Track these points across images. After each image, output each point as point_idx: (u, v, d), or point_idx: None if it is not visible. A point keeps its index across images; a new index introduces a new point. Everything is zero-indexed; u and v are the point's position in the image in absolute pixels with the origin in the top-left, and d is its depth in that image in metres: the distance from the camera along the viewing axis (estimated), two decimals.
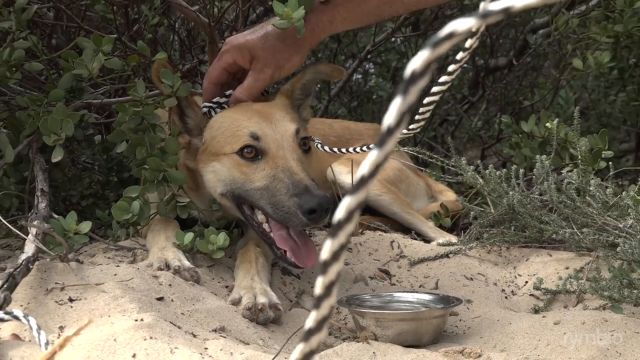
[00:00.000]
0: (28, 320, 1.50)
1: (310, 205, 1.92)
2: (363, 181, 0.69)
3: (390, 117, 0.67)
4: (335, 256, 0.71)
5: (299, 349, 0.74)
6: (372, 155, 0.69)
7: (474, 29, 1.60)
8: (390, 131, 0.67)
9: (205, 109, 2.24)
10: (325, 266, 0.71)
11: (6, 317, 1.51)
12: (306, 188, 1.96)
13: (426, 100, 1.84)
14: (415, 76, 0.66)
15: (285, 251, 2.04)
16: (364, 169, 0.69)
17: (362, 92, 4.95)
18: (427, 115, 1.93)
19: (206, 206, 2.30)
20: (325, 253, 0.71)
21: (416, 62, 0.66)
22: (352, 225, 0.70)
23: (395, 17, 2.16)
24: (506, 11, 0.65)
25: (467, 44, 1.71)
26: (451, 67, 1.75)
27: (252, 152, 2.09)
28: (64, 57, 2.26)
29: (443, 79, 1.77)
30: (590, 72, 3.37)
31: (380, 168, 0.69)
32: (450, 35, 0.66)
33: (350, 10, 2.10)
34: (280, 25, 2.01)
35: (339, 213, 0.70)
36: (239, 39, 2.17)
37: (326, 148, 2.25)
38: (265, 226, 2.10)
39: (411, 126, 2.00)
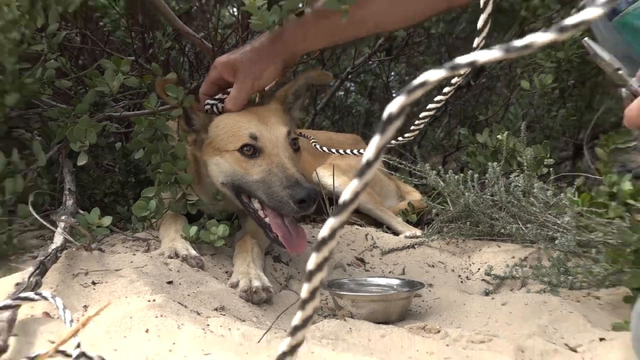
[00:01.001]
0: (55, 300, 1.50)
1: (300, 195, 1.93)
2: (345, 205, 0.69)
3: (370, 152, 0.66)
4: (319, 267, 0.71)
5: (287, 342, 0.74)
6: (353, 184, 0.68)
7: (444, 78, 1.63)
8: (369, 164, 0.67)
9: (208, 106, 2.25)
10: (310, 275, 0.72)
11: (36, 297, 1.51)
12: (297, 181, 1.98)
13: (422, 114, 1.85)
14: (392, 118, 0.66)
15: (277, 235, 2.05)
16: (345, 195, 0.69)
17: (344, 107, 4.94)
18: (422, 127, 1.94)
19: (210, 198, 2.31)
20: (310, 264, 0.71)
21: (393, 106, 0.66)
22: (335, 242, 0.71)
23: (359, 37, 2.16)
24: (471, 64, 0.66)
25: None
26: (446, 89, 1.77)
27: (251, 150, 2.10)
28: (88, 75, 2.26)
29: (438, 98, 1.79)
30: (536, 92, 3.38)
31: (359, 195, 0.68)
32: (423, 84, 0.66)
33: (320, 29, 2.09)
34: (256, 27, 2.01)
35: (324, 231, 0.70)
36: (224, 57, 2.19)
37: (318, 147, 2.31)
38: (261, 213, 2.11)
39: (406, 135, 2.02)
